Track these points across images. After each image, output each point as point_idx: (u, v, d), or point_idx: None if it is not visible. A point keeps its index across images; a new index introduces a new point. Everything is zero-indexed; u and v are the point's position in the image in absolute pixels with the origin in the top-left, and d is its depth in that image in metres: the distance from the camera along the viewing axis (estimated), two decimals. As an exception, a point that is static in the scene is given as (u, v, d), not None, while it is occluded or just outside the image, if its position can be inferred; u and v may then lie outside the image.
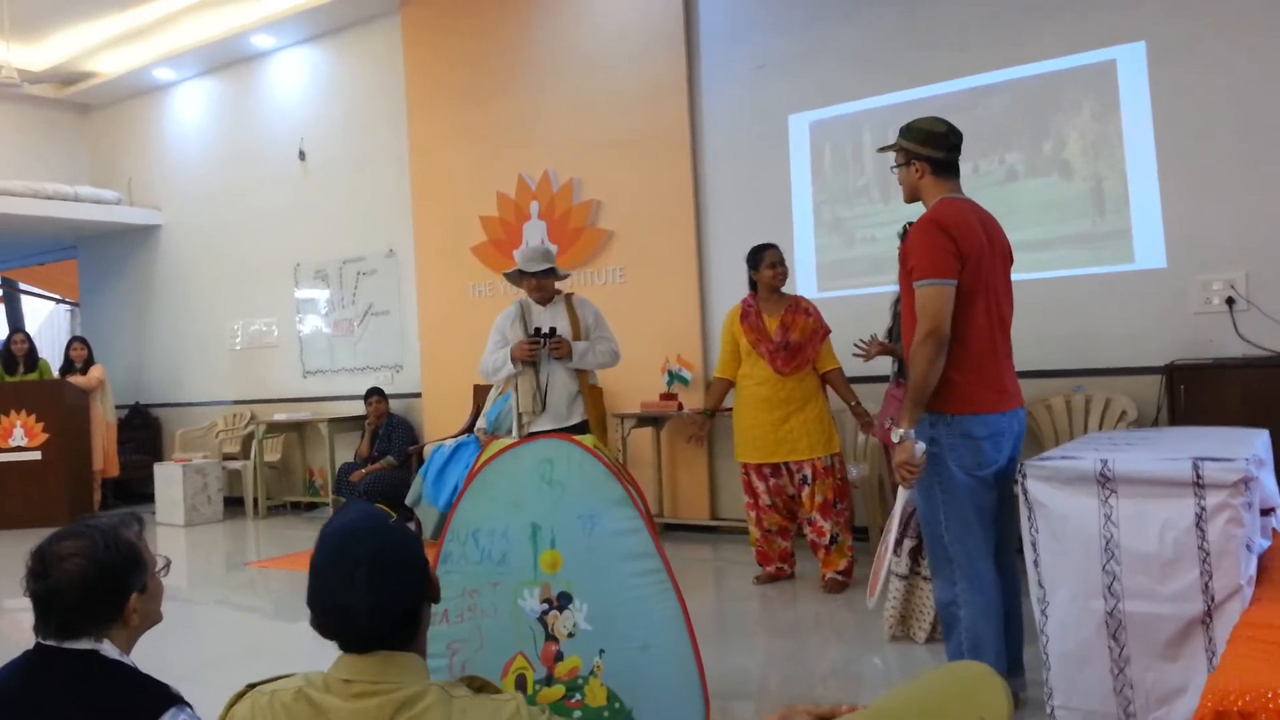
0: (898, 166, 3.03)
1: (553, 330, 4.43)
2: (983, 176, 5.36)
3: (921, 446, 2.76)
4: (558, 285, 4.63)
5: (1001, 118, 5.43)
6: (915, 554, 3.80)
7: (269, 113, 8.95)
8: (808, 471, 4.71)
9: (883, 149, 3.17)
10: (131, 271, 10.14)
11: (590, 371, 4.55)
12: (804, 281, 6.09)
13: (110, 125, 10.35)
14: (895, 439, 2.80)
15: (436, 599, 1.57)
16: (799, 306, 4.83)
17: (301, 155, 8.60)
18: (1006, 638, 2.92)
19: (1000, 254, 2.96)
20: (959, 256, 2.78)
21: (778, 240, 6.09)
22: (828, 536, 4.69)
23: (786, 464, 4.75)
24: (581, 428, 4.33)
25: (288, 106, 8.80)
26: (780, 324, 4.77)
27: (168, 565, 1.88)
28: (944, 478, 2.82)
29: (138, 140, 10.07)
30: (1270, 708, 1.74)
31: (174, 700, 1.66)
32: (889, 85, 5.74)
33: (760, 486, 4.83)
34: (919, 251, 2.82)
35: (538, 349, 4.38)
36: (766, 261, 4.83)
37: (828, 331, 4.85)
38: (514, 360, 4.42)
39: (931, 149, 2.95)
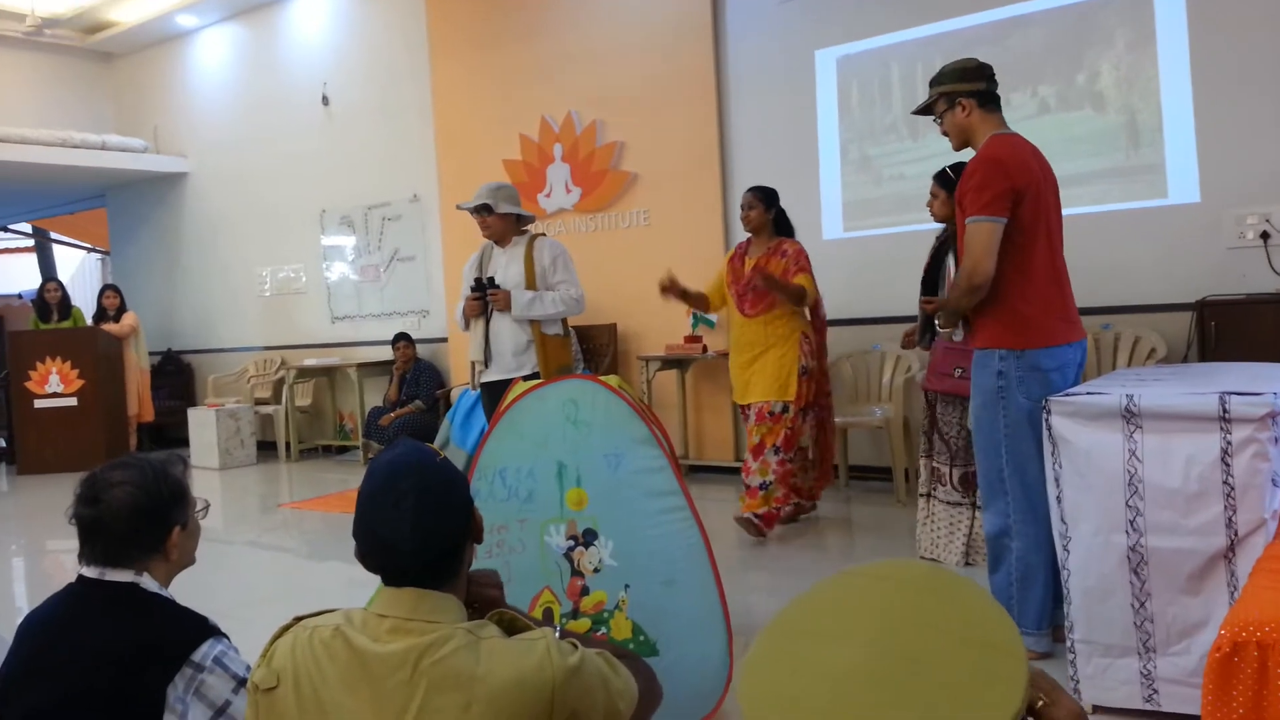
0: (941, 116, 3.02)
1: (490, 280, 4.24)
2: (1014, 110, 5.22)
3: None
4: (528, 227, 4.41)
5: (1033, 50, 5.30)
6: (964, 481, 3.89)
7: (292, 58, 8.91)
8: (751, 412, 4.63)
9: (919, 109, 3.15)
10: (160, 219, 10.21)
11: (555, 321, 4.31)
12: (830, 220, 6.04)
13: (134, 73, 10.36)
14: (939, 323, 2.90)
15: (479, 540, 1.57)
16: (778, 249, 4.69)
17: (325, 100, 8.58)
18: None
19: (1051, 186, 2.99)
20: (1014, 193, 2.81)
21: (802, 180, 6.06)
22: (757, 480, 4.57)
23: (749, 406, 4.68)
24: (532, 380, 4.22)
25: (310, 51, 8.76)
26: (754, 267, 4.69)
27: (207, 507, 1.92)
28: (1009, 409, 2.86)
29: (162, 88, 10.07)
30: (1290, 638, 1.75)
31: (212, 632, 1.72)
32: (917, 18, 5.62)
33: (749, 427, 4.76)
34: (971, 189, 2.85)
35: (480, 302, 4.23)
36: (741, 205, 4.80)
37: (800, 269, 4.61)
38: (464, 316, 4.32)
39: (971, 82, 2.97)
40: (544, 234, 4.58)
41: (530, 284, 4.25)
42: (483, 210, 4.25)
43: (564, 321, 4.41)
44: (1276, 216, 4.66)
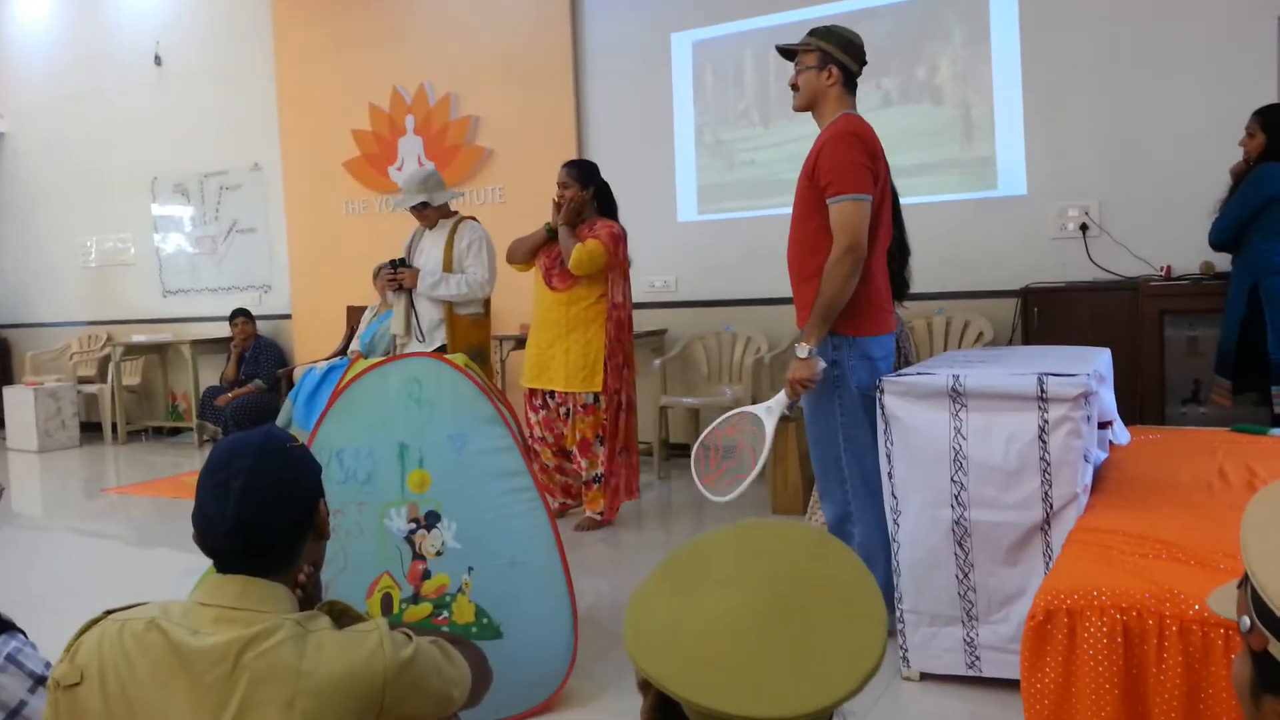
0: (807, 69, 2.93)
1: (402, 260, 4.61)
2: (859, 101, 5.37)
3: (823, 364, 2.80)
4: (454, 207, 4.71)
5: (880, 42, 5.45)
6: None
7: (122, 13, 8.31)
8: (569, 405, 4.47)
9: (786, 47, 3.01)
10: (-31, 182, 9.40)
11: (472, 302, 4.56)
12: (685, 203, 6.09)
13: (-61, 20, 9.46)
14: (802, 354, 2.78)
15: (323, 536, 1.51)
16: (593, 227, 4.44)
17: (158, 60, 8.05)
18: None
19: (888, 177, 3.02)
20: (874, 174, 2.80)
21: (658, 162, 6.09)
22: (590, 474, 4.48)
23: (552, 394, 4.52)
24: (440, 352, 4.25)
25: (142, 6, 8.19)
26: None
27: (2, 491, 1.78)
28: (845, 399, 2.86)
29: (-29, 38, 9.24)
30: (1095, 604, 1.87)
31: (4, 627, 1.59)
32: (771, 6, 5.70)
33: (533, 418, 4.59)
34: (838, 166, 2.76)
35: (392, 279, 4.59)
36: (557, 183, 4.53)
37: (596, 239, 4.35)
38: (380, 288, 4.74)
39: (851, 59, 2.95)
40: (472, 218, 4.69)
41: (448, 266, 4.52)
42: (420, 207, 4.56)
43: (487, 303, 4.65)
44: (1095, 210, 4.97)
